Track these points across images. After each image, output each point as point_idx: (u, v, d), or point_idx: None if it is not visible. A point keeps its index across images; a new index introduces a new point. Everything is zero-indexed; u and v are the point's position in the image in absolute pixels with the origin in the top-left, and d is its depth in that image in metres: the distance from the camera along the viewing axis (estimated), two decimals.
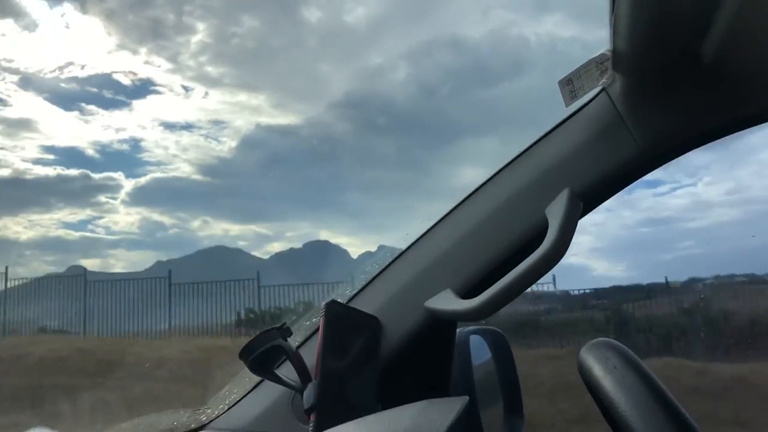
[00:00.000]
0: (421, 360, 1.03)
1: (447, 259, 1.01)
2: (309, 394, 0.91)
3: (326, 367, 0.92)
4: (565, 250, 0.83)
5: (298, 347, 1.03)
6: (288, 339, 0.95)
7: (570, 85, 0.87)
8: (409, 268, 1.04)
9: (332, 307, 0.97)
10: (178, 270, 15.54)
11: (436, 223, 1.06)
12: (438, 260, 1.01)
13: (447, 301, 0.94)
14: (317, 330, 1.06)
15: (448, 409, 0.66)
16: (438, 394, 1.05)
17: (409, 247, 1.07)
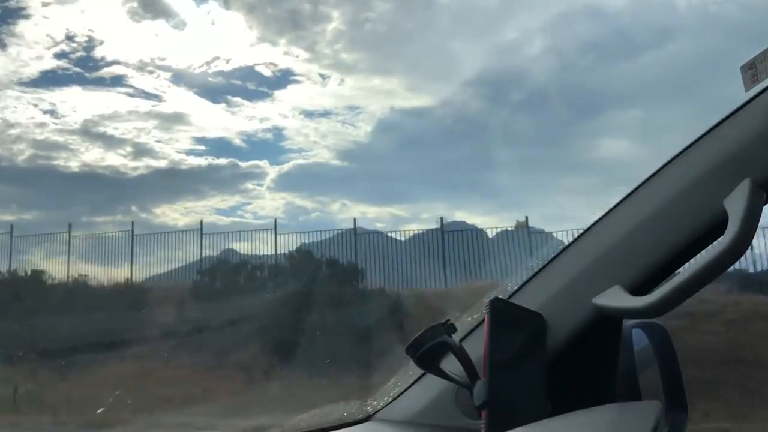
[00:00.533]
0: (587, 357, 1.01)
1: (615, 253, 0.97)
2: (480, 390, 0.92)
3: (494, 365, 0.93)
4: (749, 244, 0.78)
5: (461, 341, 1.05)
6: (452, 335, 0.97)
7: (752, 69, 0.80)
8: (573, 263, 1.02)
9: (496, 304, 0.97)
10: (318, 251, 16.31)
11: (602, 217, 1.02)
12: (605, 255, 0.98)
13: (617, 298, 0.92)
14: (478, 326, 1.07)
15: (644, 413, 0.65)
16: (605, 391, 1.03)
17: (573, 242, 1.05)
